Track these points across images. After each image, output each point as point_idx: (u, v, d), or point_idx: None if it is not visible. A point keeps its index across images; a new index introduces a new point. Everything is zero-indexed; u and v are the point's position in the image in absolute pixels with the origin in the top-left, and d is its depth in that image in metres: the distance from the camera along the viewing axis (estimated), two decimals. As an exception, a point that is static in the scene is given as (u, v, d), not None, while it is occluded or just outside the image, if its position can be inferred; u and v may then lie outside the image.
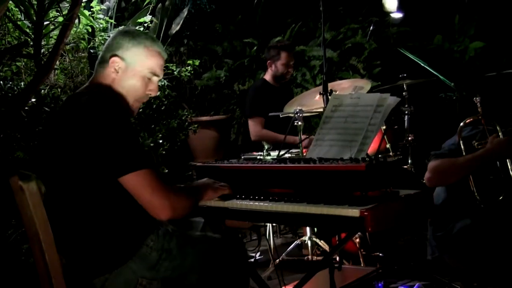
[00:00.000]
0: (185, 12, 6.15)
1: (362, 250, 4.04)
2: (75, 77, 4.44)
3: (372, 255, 4.02)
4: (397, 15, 6.62)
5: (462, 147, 2.99)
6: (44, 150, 2.35)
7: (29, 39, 3.62)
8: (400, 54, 4.87)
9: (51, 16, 3.71)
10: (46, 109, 3.60)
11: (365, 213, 1.97)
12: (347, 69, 6.90)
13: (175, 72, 4.91)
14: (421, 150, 4.02)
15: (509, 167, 2.94)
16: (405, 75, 4.35)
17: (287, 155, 3.13)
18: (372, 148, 2.47)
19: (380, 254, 3.99)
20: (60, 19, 3.57)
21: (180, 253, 2.31)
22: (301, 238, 4.41)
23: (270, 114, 4.40)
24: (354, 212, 1.99)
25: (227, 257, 2.40)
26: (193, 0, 6.94)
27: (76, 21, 3.79)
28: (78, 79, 4.42)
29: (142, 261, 2.24)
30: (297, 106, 3.88)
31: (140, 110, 4.25)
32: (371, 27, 5.08)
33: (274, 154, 3.45)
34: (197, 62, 5.11)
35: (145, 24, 4.75)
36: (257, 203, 2.34)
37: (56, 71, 4.33)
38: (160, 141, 4.27)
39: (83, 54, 4.53)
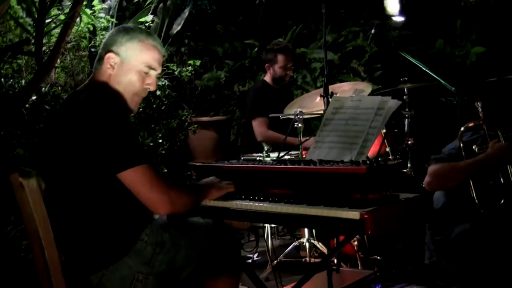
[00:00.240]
0: (186, 12, 6.14)
1: (360, 253, 4.04)
2: (75, 76, 4.44)
3: (370, 258, 4.02)
4: (399, 19, 6.63)
5: (462, 151, 2.99)
6: (44, 147, 2.35)
7: (30, 37, 3.62)
8: (401, 57, 4.86)
9: (52, 14, 3.71)
10: (47, 107, 3.61)
11: (365, 216, 1.97)
12: (348, 72, 6.91)
13: (175, 72, 4.90)
14: (421, 154, 4.02)
15: (510, 173, 2.94)
16: (406, 78, 4.34)
17: (286, 157, 3.12)
18: (372, 151, 2.47)
19: (378, 257, 3.99)
20: (62, 17, 3.58)
21: (173, 245, 2.32)
22: (299, 240, 4.41)
23: (271, 115, 4.40)
24: (354, 214, 1.99)
25: (218, 241, 2.41)
26: (194, 0, 6.94)
27: (78, 19, 3.79)
28: (78, 77, 4.42)
29: (138, 256, 2.25)
30: (297, 108, 3.87)
31: (140, 109, 4.25)
32: (373, 30, 5.07)
33: (273, 155, 3.46)
34: (198, 63, 5.11)
35: (146, 24, 4.76)
36: (256, 204, 2.34)
37: (57, 70, 4.33)
38: (160, 140, 4.27)
39: (84, 53, 4.53)
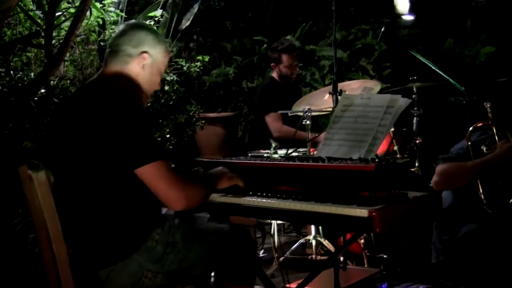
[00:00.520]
0: (195, 7, 6.14)
1: (366, 251, 4.03)
2: (84, 69, 4.45)
3: (376, 256, 4.01)
4: (409, 17, 6.58)
5: (470, 151, 2.98)
6: (54, 140, 2.35)
7: (40, 30, 3.62)
8: (410, 56, 4.85)
9: (62, 7, 3.71)
10: (55, 100, 3.61)
11: (374, 214, 1.96)
12: (357, 70, 6.89)
13: (184, 68, 4.90)
14: (429, 154, 4.00)
15: (518, 173, 2.93)
16: (415, 77, 4.33)
17: (294, 154, 3.12)
18: (380, 149, 2.47)
19: (385, 256, 3.98)
20: (72, 10, 3.58)
21: (185, 245, 2.32)
22: (306, 237, 4.40)
23: (279, 112, 4.40)
24: (362, 212, 1.99)
25: (234, 249, 2.40)
26: (202, -3, 6.95)
27: (87, 13, 3.80)
28: (87, 71, 4.43)
29: (147, 254, 2.25)
30: (306, 105, 3.86)
31: (149, 104, 4.26)
32: (382, 29, 5.06)
33: (280, 152, 3.45)
34: (206, 58, 5.10)
35: (156, 19, 4.75)
36: (264, 200, 2.34)
37: (66, 63, 4.34)
38: (168, 135, 4.28)
39: (93, 47, 4.54)
